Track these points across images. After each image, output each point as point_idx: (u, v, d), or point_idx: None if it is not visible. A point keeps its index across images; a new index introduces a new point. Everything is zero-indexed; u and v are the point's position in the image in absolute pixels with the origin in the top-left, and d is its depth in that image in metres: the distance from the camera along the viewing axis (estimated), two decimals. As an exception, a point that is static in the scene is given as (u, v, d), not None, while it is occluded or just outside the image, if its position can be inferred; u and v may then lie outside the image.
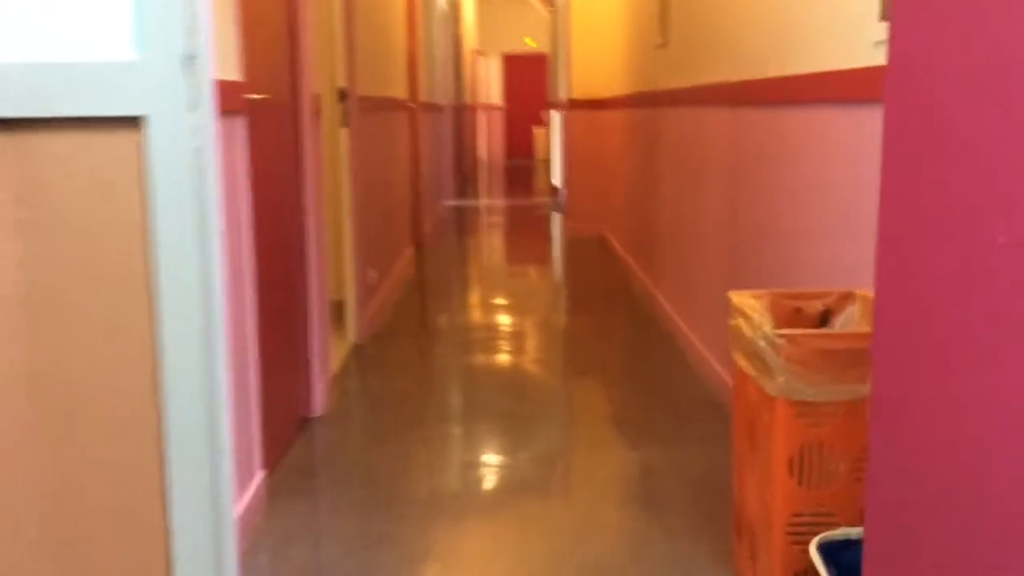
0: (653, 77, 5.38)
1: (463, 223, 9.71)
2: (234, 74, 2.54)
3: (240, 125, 2.57)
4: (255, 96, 2.67)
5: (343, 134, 4.53)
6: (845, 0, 2.33)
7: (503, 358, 4.41)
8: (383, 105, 5.54)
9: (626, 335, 4.79)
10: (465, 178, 14.63)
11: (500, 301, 5.80)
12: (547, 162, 15.03)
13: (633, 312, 5.24)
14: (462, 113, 14.53)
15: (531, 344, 4.69)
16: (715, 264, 3.76)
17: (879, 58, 2.12)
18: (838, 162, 2.39)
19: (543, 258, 7.57)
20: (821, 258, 2.52)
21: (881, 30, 2.11)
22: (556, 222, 9.57)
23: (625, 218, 6.69)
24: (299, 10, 3.27)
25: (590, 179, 8.13)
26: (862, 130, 2.23)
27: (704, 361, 3.87)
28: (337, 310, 4.94)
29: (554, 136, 12.64)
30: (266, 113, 2.87)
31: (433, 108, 9.45)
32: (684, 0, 4.46)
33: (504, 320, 5.24)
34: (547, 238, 8.56)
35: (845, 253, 2.35)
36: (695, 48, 4.20)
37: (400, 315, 5.30)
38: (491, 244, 8.44)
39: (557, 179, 11.71)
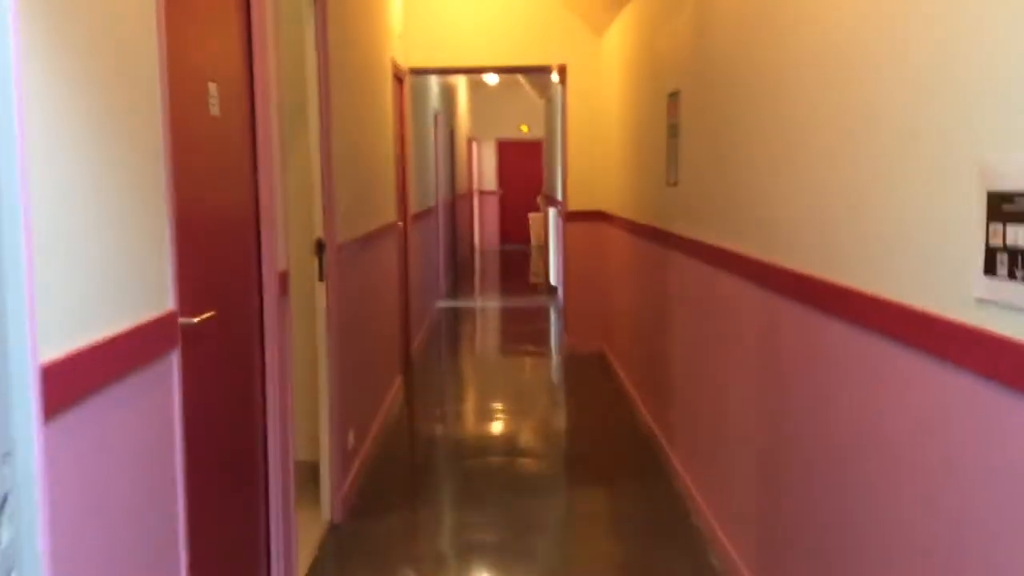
0: (663, 215, 4.92)
1: (456, 334, 9.19)
2: (167, 304, 2.06)
3: (171, 361, 2.08)
4: (194, 320, 2.20)
5: (319, 288, 4.06)
6: (933, 232, 1.86)
7: (504, 539, 3.86)
8: (368, 240, 5.08)
9: (640, 511, 4.25)
10: (459, 272, 14.18)
11: (497, 453, 5.28)
12: (543, 248, 14.59)
13: (646, 474, 4.71)
14: (456, 202, 14.14)
15: (538, 521, 4.15)
16: (747, 461, 3.24)
17: (979, 318, 1.66)
18: (918, 430, 1.90)
19: (544, 385, 7.06)
20: (893, 543, 2.02)
21: (985, 286, 1.64)
22: (555, 329, 9.07)
23: (629, 345, 6.20)
24: (263, 193, 2.82)
25: (589, 291, 7.65)
26: (954, 399, 1.75)
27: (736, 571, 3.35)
28: (311, 473, 4.41)
29: (551, 231, 12.22)
30: (213, 322, 2.40)
31: (425, 214, 9.03)
32: (695, 144, 4.03)
33: (504, 479, 4.71)
34: (546, 354, 8.03)
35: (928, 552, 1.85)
36: (713, 201, 3.75)
37: (385, 475, 4.76)
38: (486, 365, 7.92)
39: (554, 277, 11.24)
